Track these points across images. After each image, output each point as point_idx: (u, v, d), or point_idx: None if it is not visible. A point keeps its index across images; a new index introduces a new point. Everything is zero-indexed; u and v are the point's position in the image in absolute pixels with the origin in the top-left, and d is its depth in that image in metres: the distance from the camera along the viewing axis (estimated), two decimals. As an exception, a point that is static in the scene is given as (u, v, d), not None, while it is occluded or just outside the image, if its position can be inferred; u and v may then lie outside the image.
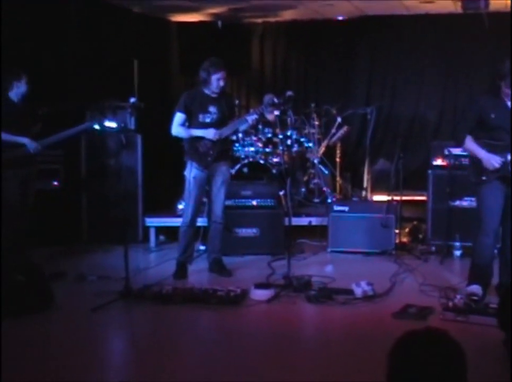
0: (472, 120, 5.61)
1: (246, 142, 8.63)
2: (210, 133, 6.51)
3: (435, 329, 2.15)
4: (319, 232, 8.14)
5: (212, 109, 6.57)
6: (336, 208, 7.81)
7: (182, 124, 6.62)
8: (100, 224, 8.22)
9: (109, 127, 8.20)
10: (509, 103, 5.48)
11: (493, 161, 5.44)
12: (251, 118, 6.71)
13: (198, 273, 6.79)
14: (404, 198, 8.02)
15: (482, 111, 5.53)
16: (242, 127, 7.00)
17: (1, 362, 4.03)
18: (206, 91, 6.58)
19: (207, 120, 6.58)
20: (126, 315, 5.67)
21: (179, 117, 6.60)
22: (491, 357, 4.28)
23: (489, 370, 4.02)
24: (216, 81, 6.48)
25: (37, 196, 7.15)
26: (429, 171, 7.78)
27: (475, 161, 5.57)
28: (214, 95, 6.58)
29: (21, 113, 6.79)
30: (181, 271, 6.69)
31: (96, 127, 7.02)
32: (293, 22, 10.91)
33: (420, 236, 8.11)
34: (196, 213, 6.73)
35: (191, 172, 6.60)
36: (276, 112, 8.31)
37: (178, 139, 6.78)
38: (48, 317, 5.42)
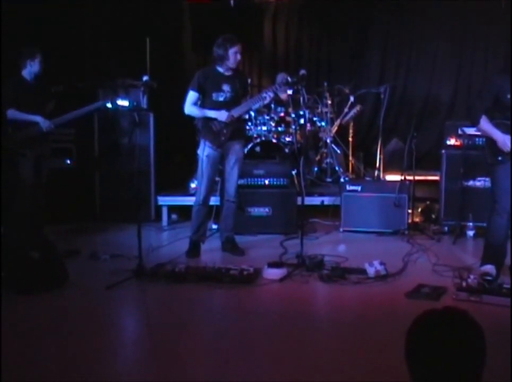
0: (488, 100, 5.55)
1: (258, 121, 8.59)
2: (222, 116, 6.48)
3: (454, 309, 2.14)
4: (331, 212, 8.13)
5: (225, 87, 6.54)
6: (349, 187, 7.79)
7: (195, 103, 6.59)
8: (113, 203, 8.25)
9: (121, 106, 8.20)
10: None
11: (508, 141, 5.41)
12: (269, 95, 6.68)
13: (211, 252, 6.80)
14: (417, 177, 7.99)
15: (498, 91, 5.48)
16: (256, 105, 6.99)
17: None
18: (220, 69, 6.54)
19: (221, 98, 6.54)
20: (140, 293, 5.69)
21: (192, 96, 6.57)
22: (504, 338, 4.27)
23: (502, 350, 4.02)
24: (233, 55, 6.43)
25: (50, 175, 7.17)
26: (443, 151, 7.73)
27: (491, 141, 5.53)
28: (228, 74, 6.54)
29: (34, 92, 6.80)
30: (194, 249, 6.71)
31: (109, 105, 7.00)
32: (306, 0, 10.82)
33: (433, 216, 8.09)
34: (209, 192, 6.72)
35: (204, 150, 6.58)
36: (290, 91, 8.30)
37: (190, 118, 6.76)
38: (62, 294, 5.47)
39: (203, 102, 6.60)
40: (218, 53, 6.45)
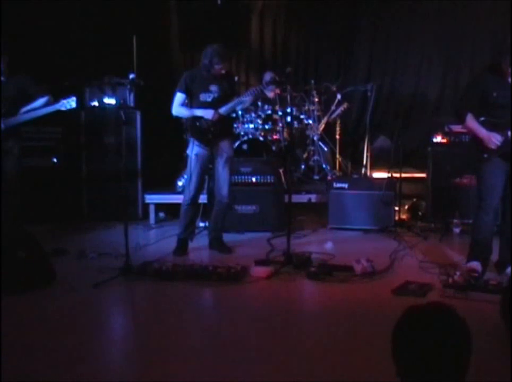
0: (474, 98, 5.59)
1: (245, 119, 8.60)
2: (209, 114, 6.49)
3: (439, 304, 2.16)
4: (319, 209, 8.15)
5: (213, 87, 6.53)
6: (336, 185, 7.80)
7: (183, 104, 6.60)
8: (99, 201, 8.22)
9: (108, 104, 8.20)
10: (510, 81, 5.47)
11: (493, 138, 5.44)
12: (247, 99, 6.70)
13: (199, 250, 6.79)
14: (404, 175, 8.02)
15: (484, 89, 5.52)
16: (239, 107, 7.03)
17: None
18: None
19: (209, 99, 6.54)
20: (127, 291, 5.70)
21: (179, 97, 6.57)
22: (490, 333, 4.30)
23: (488, 346, 4.05)
24: (218, 70, 6.44)
25: (37, 173, 7.12)
26: (429, 148, 7.77)
27: (477, 139, 5.57)
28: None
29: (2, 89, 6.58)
30: (182, 247, 6.70)
31: (66, 108, 6.76)
32: (293, -1, 10.84)
33: (420, 213, 8.11)
34: (199, 191, 6.71)
35: (193, 149, 6.58)
36: (278, 91, 8.35)
37: (179, 118, 6.76)
38: (49, 293, 5.45)
39: (191, 102, 6.60)
40: (204, 63, 6.45)
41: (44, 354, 4.21)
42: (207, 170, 6.85)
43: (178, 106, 6.58)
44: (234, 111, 7.43)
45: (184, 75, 6.67)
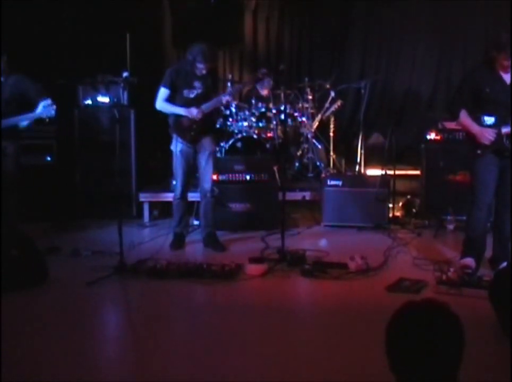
0: (466, 94, 5.60)
1: (239, 117, 8.59)
2: (192, 112, 6.52)
3: (433, 301, 2.16)
4: (313, 207, 8.15)
5: (197, 84, 6.59)
6: (330, 182, 7.80)
7: (166, 100, 6.63)
8: (93, 200, 8.19)
9: (102, 102, 8.18)
10: (504, 76, 5.48)
11: (486, 134, 5.45)
12: (225, 99, 6.77)
13: (193, 248, 6.80)
14: (398, 172, 8.02)
15: (477, 84, 5.53)
16: (218, 105, 7.10)
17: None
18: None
19: (192, 95, 6.59)
20: (121, 289, 5.69)
21: (163, 92, 6.62)
22: (483, 330, 4.32)
23: (482, 342, 4.06)
24: (199, 69, 6.50)
25: (30, 171, 7.09)
26: (423, 145, 7.78)
27: (470, 135, 5.57)
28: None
29: None
30: (178, 241, 6.77)
31: (47, 116, 6.66)
32: (287, -4, 10.84)
33: (414, 210, 8.11)
34: (186, 186, 6.76)
35: (177, 146, 6.65)
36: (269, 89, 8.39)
37: (167, 114, 6.77)
38: (42, 291, 5.44)
39: (174, 98, 6.63)
40: (188, 57, 6.52)
41: (37, 352, 4.21)
42: (192, 166, 6.86)
43: (162, 101, 6.63)
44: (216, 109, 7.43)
45: (168, 71, 6.73)
